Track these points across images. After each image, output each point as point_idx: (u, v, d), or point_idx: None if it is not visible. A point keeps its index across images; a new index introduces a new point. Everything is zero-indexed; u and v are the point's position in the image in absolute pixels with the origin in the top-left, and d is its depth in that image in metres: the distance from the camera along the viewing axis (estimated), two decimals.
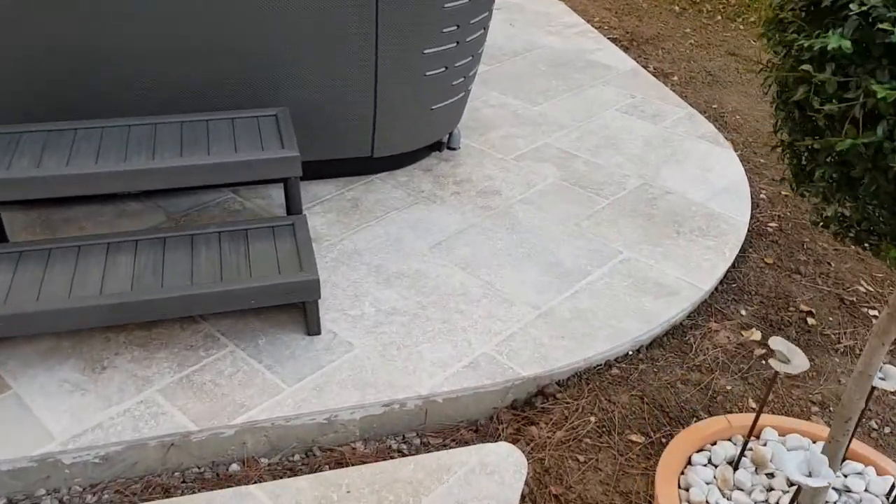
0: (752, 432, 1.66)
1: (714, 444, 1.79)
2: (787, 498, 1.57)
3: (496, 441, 2.23)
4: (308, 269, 2.31)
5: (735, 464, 1.63)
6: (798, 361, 1.42)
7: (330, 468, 2.15)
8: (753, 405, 2.36)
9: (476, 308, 2.57)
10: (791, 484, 1.63)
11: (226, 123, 2.67)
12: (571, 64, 4.53)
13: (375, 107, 3.01)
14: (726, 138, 3.89)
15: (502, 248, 2.88)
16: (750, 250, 3.07)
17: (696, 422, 2.29)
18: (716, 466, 1.65)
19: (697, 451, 1.72)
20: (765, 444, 1.81)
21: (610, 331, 2.51)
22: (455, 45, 3.02)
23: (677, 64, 4.78)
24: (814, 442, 1.77)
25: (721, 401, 2.37)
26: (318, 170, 3.21)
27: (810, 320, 2.73)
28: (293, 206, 2.60)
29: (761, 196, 3.44)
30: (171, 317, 2.25)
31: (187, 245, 2.42)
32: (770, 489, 1.61)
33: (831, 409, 2.37)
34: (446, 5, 2.87)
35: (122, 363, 2.30)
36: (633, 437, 2.24)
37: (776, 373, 1.46)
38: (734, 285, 2.87)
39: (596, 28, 5.23)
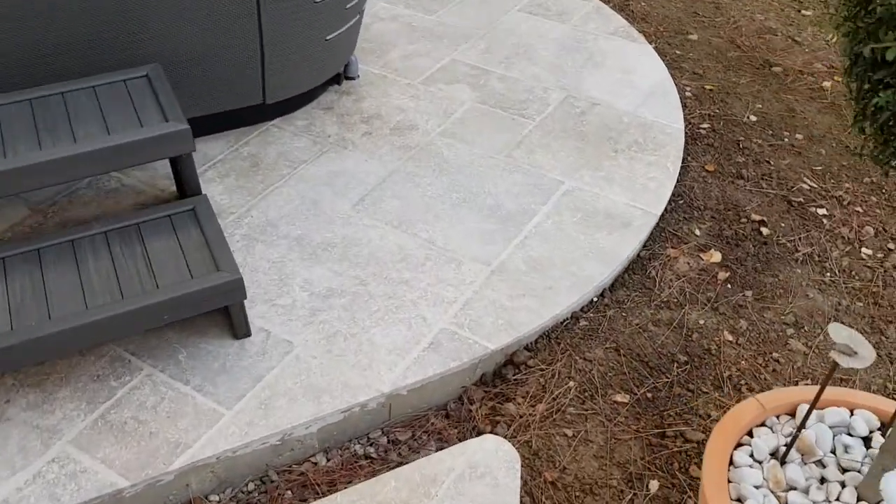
0: (804, 424, 1.47)
1: (750, 433, 1.60)
2: (847, 492, 1.42)
3: (472, 426, 2.00)
4: (226, 267, 1.93)
5: (782, 457, 1.47)
6: (865, 352, 1.23)
7: (292, 493, 1.87)
8: (730, 337, 2.23)
9: (422, 274, 2.28)
10: (844, 470, 1.48)
11: (87, 95, 2.16)
12: None
13: (262, 47, 2.55)
14: (638, 31, 3.64)
15: (434, 196, 2.56)
16: (689, 158, 2.89)
17: (677, 368, 2.13)
18: (760, 463, 1.48)
19: (737, 447, 1.54)
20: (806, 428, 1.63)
21: (571, 279, 2.28)
22: None
23: None
24: (851, 413, 1.62)
25: (697, 338, 2.22)
26: (202, 125, 2.74)
27: (764, 230, 2.60)
28: (189, 185, 2.17)
29: (687, 94, 3.24)
30: (67, 355, 1.84)
31: (69, 255, 1.97)
32: (823, 480, 1.46)
33: (806, 328, 2.28)
34: None
35: (16, 413, 1.89)
36: (618, 398, 2.06)
37: (835, 364, 1.27)
38: (682, 202, 2.69)
39: None
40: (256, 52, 2.56)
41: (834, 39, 3.65)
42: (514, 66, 3.24)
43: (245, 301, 2.15)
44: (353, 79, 3.12)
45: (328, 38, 2.71)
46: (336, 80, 3.02)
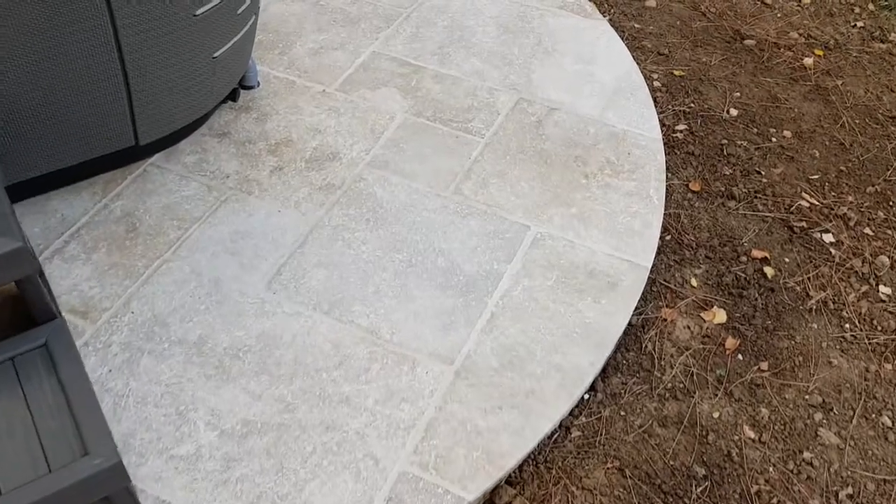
0: None
1: None
2: None
3: None
4: (98, 447, 1.36)
5: None
6: None
7: None
8: (751, 434, 1.82)
9: (366, 385, 1.76)
10: None
11: None
12: None
13: (126, 81, 1.89)
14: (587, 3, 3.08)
15: (371, 259, 2.01)
16: (669, 174, 2.41)
17: (696, 488, 1.71)
18: None
19: None
20: None
21: (557, 375, 1.81)
22: None
23: None
24: None
25: (714, 440, 1.80)
26: (58, 176, 2.08)
27: (768, 270, 2.18)
28: (37, 310, 1.56)
29: (655, 83, 2.74)
30: None
31: None
32: None
33: (835, 410, 1.89)
34: None
35: None
36: None
37: None
38: (669, 238, 2.23)
39: None
40: (119, 88, 1.90)
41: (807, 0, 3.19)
42: (450, 59, 2.65)
43: (122, 452, 1.59)
44: (251, 88, 2.47)
45: (216, 55, 2.06)
46: (231, 95, 2.37)
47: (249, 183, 2.19)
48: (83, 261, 1.97)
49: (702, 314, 2.05)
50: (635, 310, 2.01)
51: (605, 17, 3.01)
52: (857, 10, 3.19)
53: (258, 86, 2.49)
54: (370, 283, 1.96)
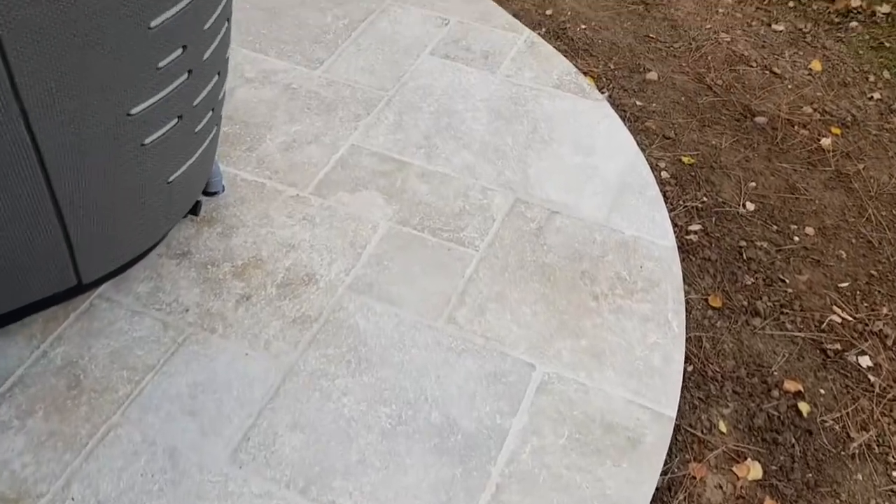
0: None
1: None
2: None
3: None
4: None
5: None
6: None
7: None
8: None
9: None
10: None
11: None
12: None
13: (61, 219, 1.61)
14: (584, 70, 2.83)
15: (354, 416, 1.74)
16: (685, 286, 2.16)
17: None
18: None
19: None
20: None
21: None
22: (187, 75, 1.62)
23: None
24: None
25: None
26: None
27: (803, 406, 1.93)
28: None
29: (664, 174, 2.49)
30: None
31: None
32: None
33: None
34: (153, 23, 1.45)
35: None
36: None
37: None
38: (691, 369, 1.98)
39: None
40: (52, 226, 1.61)
41: (819, 68, 2.97)
42: (438, 152, 2.39)
43: None
44: (215, 194, 2.20)
45: (170, 179, 1.78)
46: (192, 209, 2.09)
47: (212, 317, 1.90)
48: (16, 429, 1.67)
49: (734, 468, 1.79)
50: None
51: (604, 93, 2.76)
52: (871, 78, 2.97)
53: (223, 191, 2.21)
54: (353, 449, 1.68)
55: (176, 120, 1.67)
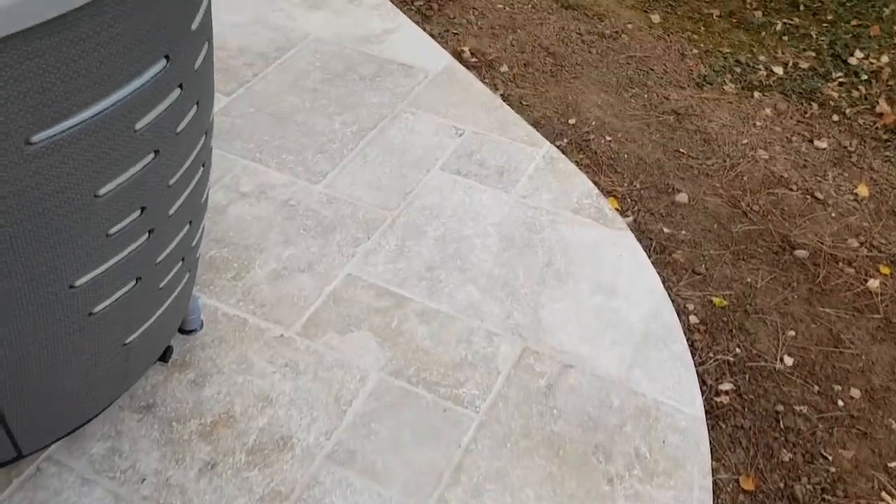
0: None
1: None
2: None
3: None
4: None
5: None
6: None
7: None
8: None
9: None
10: None
11: None
12: (356, 70, 2.97)
13: None
14: (607, 189, 2.62)
15: None
16: (714, 462, 1.90)
17: None
18: None
19: None
20: None
21: None
22: (147, 236, 1.43)
23: (499, 37, 3.35)
24: None
25: None
26: None
27: None
28: None
29: (692, 319, 2.25)
30: None
31: None
32: None
33: None
34: (102, 191, 1.26)
35: None
36: None
37: None
38: None
39: None
40: None
41: (866, 193, 2.72)
42: (441, 286, 2.17)
43: None
44: (192, 332, 1.99)
45: (127, 341, 1.58)
46: (162, 355, 1.88)
47: (170, 490, 1.68)
48: None
49: None
50: None
51: (628, 216, 2.54)
52: None
53: (201, 328, 2.00)
54: None
55: (133, 282, 1.47)
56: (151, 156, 1.35)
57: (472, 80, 2.98)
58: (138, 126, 1.28)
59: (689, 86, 3.16)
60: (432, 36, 3.28)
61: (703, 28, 3.53)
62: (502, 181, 2.53)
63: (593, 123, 2.93)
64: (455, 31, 3.36)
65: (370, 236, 2.31)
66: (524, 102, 3.00)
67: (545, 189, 2.52)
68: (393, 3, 3.43)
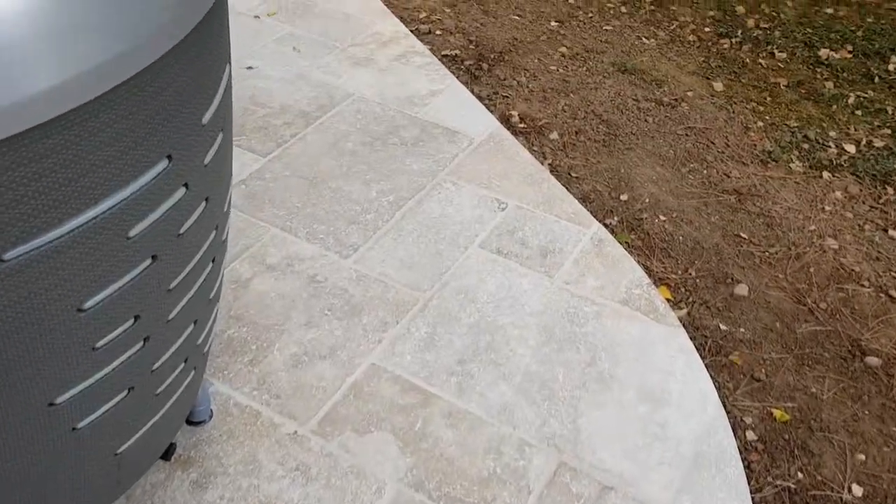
0: None
1: None
2: None
3: None
4: None
5: None
6: None
7: None
8: None
9: None
10: None
11: None
12: (398, 133, 2.84)
13: None
14: (659, 276, 2.42)
15: None
16: None
17: None
18: None
19: None
20: None
21: None
22: (142, 343, 1.29)
23: (551, 102, 3.19)
24: None
25: None
26: None
27: None
28: None
29: (748, 435, 2.02)
30: None
31: None
32: None
33: None
34: (85, 306, 1.12)
35: None
36: None
37: None
38: None
39: (425, 37, 3.50)
40: None
41: None
42: (472, 382, 1.99)
43: None
44: (200, 423, 1.85)
45: (119, 451, 1.43)
46: (164, 453, 1.74)
47: None
48: None
49: None
50: None
51: (682, 309, 2.33)
52: None
53: (210, 419, 1.86)
54: None
55: (125, 393, 1.33)
56: (148, 262, 1.21)
57: (518, 149, 2.82)
58: (132, 233, 1.15)
59: (752, 162, 2.95)
60: (480, 98, 3.14)
61: (768, 98, 3.32)
62: (545, 264, 2.35)
63: (647, 200, 2.74)
64: (504, 94, 3.21)
65: (399, 320, 2.15)
66: (573, 174, 2.83)
67: (591, 275, 2.33)
68: (442, 61, 3.31)
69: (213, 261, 1.47)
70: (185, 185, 1.24)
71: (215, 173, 1.35)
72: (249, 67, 3.11)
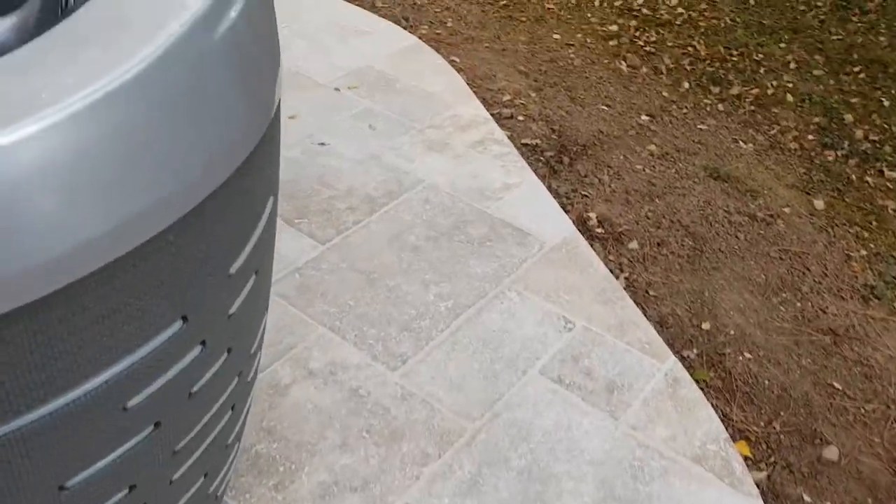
0: None
1: None
2: None
3: None
4: None
5: None
6: None
7: None
8: None
9: None
10: None
11: None
12: (464, 229, 2.67)
13: None
14: (739, 427, 2.16)
15: None
16: None
17: None
18: None
19: None
20: None
21: None
22: (127, 490, 1.13)
23: (633, 206, 2.98)
24: None
25: None
26: None
27: None
28: None
29: None
30: None
31: None
32: None
33: None
34: (68, 484, 0.97)
35: None
36: None
37: None
38: None
39: (506, 122, 3.35)
40: None
41: None
42: None
43: None
44: None
45: None
46: None
47: None
48: None
49: None
50: None
51: (762, 470, 2.06)
52: None
53: None
54: None
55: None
56: (149, 429, 1.06)
57: (592, 258, 2.61)
58: (131, 403, 1.00)
59: (851, 297, 2.67)
60: (557, 195, 2.95)
61: (874, 223, 3.04)
62: (611, 402, 2.12)
63: (731, 332, 2.48)
64: (584, 192, 3.02)
65: (442, 454, 1.95)
66: (651, 292, 2.60)
67: (662, 421, 2.09)
68: (521, 151, 3.15)
69: (232, 408, 1.31)
70: (203, 342, 1.08)
71: (242, 323, 1.20)
72: (322, 144, 3.01)
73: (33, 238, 0.77)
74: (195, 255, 0.99)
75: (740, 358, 2.40)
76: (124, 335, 0.94)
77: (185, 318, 1.01)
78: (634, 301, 2.49)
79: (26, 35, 0.98)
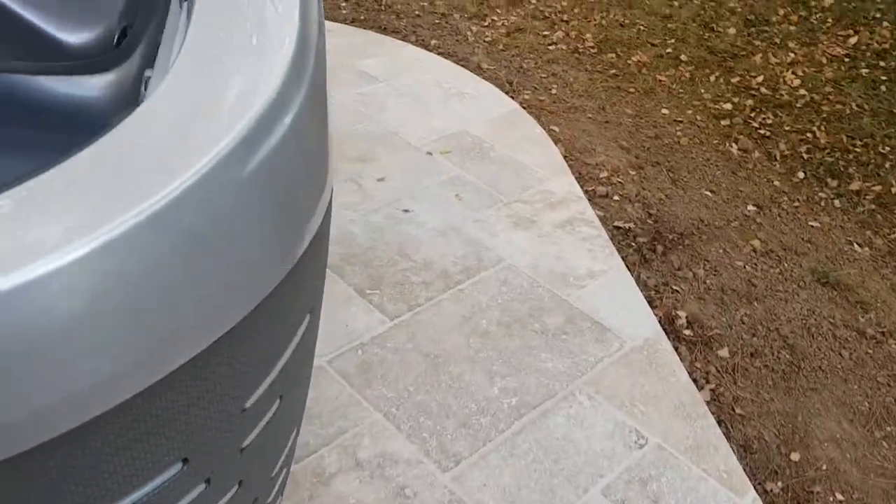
0: None
1: None
2: None
3: None
4: None
5: None
6: None
7: None
8: None
9: None
10: None
11: None
12: (540, 317, 2.54)
13: None
14: None
15: None
16: None
17: None
18: None
19: None
20: None
21: None
22: None
23: (728, 307, 2.76)
24: None
25: None
26: None
27: None
28: None
29: None
30: None
31: None
32: None
33: None
34: None
35: None
36: None
37: None
38: None
39: (600, 201, 3.20)
40: None
41: None
42: None
43: None
44: None
45: None
46: None
47: None
48: None
49: None
50: None
51: None
52: None
53: None
54: None
55: None
56: None
57: (676, 365, 2.42)
58: None
59: None
60: (646, 287, 2.78)
61: None
62: None
63: (823, 467, 2.23)
64: (675, 287, 2.83)
65: None
66: (738, 410, 2.38)
67: None
68: (612, 234, 2.99)
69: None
70: (207, 480, 1.00)
71: (258, 453, 1.11)
72: (406, 210, 2.95)
73: (32, 385, 0.71)
74: (203, 395, 0.91)
75: (830, 499, 2.15)
76: (117, 480, 0.87)
77: (185, 461, 0.94)
78: (718, 419, 2.28)
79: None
